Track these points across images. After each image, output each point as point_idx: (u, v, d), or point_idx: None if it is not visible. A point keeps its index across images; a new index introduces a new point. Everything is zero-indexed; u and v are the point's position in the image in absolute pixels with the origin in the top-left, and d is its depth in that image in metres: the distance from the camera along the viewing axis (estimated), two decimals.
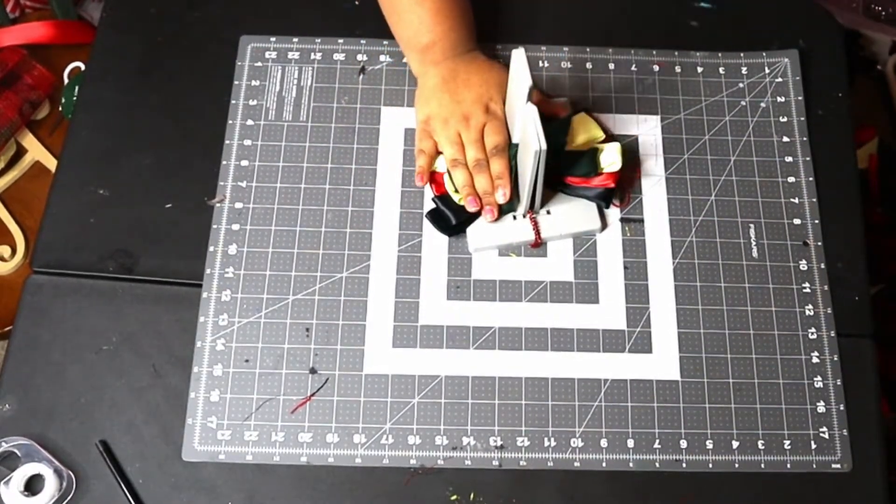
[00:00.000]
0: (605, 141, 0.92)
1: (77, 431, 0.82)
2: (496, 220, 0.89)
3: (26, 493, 0.79)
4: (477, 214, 0.89)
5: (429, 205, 0.91)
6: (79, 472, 0.80)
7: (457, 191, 0.88)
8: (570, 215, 0.90)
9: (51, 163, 1.23)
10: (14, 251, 1.19)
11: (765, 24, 1.03)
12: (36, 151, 1.24)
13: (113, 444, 0.82)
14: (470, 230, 0.90)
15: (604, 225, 0.91)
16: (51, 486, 0.79)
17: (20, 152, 1.23)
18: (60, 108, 1.26)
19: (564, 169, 0.89)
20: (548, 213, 0.90)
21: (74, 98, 1.23)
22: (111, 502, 0.80)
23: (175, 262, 0.89)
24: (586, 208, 0.91)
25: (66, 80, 1.27)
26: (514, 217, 0.90)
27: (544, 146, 0.78)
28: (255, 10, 1.01)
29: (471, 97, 0.89)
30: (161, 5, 1.01)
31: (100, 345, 0.85)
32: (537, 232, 0.89)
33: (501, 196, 0.87)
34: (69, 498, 0.80)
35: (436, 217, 0.90)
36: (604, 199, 0.90)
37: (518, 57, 0.81)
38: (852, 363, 0.87)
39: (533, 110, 0.79)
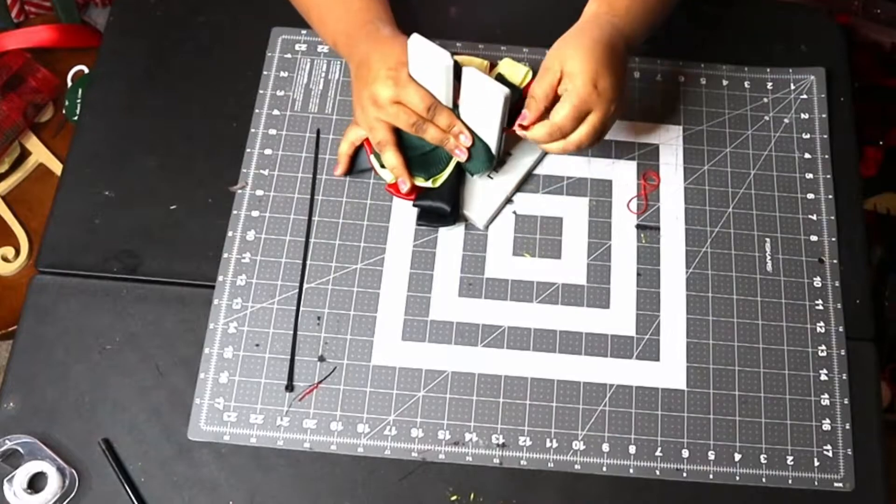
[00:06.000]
0: (492, 68, 0.95)
1: (80, 430, 0.83)
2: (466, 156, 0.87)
3: (29, 490, 0.80)
4: (457, 199, 0.89)
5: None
6: (81, 470, 0.82)
7: (383, 166, 0.88)
8: (524, 141, 0.91)
9: (54, 165, 1.25)
10: (18, 252, 1.21)
11: (772, 35, 1.04)
12: (40, 154, 1.25)
13: (115, 443, 0.83)
14: (467, 213, 0.90)
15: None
16: (53, 483, 0.80)
17: (24, 154, 1.25)
18: (64, 111, 1.28)
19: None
20: (509, 154, 0.93)
21: (78, 101, 1.26)
22: (113, 500, 0.81)
23: (179, 263, 0.90)
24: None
25: (69, 83, 1.29)
26: (490, 177, 0.92)
27: (507, 89, 0.79)
28: (264, 13, 1.02)
29: (371, 77, 0.84)
30: (167, 9, 1.03)
31: (103, 344, 0.86)
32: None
33: (466, 139, 0.86)
34: (72, 496, 0.81)
35: (427, 215, 0.89)
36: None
37: (415, 43, 0.79)
38: (855, 365, 0.87)
39: (474, 71, 0.80)
